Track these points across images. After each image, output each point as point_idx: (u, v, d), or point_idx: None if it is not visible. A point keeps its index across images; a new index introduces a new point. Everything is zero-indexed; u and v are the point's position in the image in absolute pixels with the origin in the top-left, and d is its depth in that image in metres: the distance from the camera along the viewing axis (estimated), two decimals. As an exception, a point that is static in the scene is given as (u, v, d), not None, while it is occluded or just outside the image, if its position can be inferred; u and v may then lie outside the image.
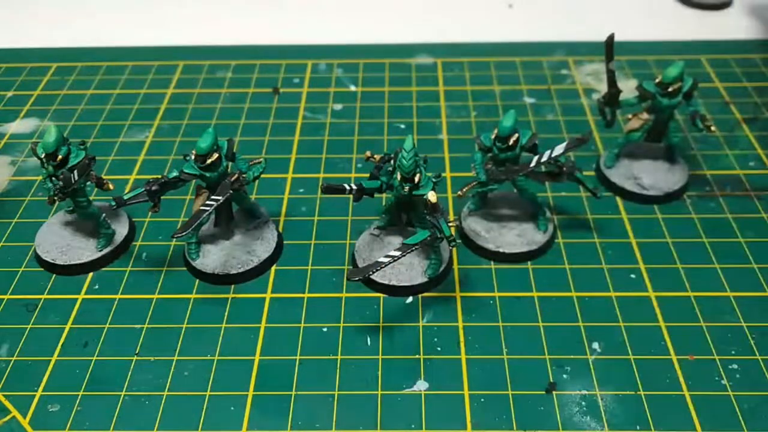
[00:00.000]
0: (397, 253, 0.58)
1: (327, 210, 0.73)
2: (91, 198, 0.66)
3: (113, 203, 0.64)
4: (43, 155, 0.62)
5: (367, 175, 0.64)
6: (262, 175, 0.66)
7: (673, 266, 0.67)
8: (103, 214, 0.67)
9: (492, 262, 0.67)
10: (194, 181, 0.64)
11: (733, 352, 0.59)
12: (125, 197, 0.63)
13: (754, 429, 0.54)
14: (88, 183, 0.64)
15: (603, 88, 0.78)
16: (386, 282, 0.64)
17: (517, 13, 1.09)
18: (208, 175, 0.62)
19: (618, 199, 0.74)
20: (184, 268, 0.67)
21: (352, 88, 0.92)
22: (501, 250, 0.67)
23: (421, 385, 0.57)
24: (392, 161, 0.62)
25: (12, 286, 0.66)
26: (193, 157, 0.62)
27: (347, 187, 0.62)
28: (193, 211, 0.62)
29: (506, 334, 0.61)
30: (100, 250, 0.67)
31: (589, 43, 0.98)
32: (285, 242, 0.70)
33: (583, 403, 0.56)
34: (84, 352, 0.60)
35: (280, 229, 0.71)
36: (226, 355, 0.60)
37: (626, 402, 0.56)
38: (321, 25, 1.06)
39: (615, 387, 0.57)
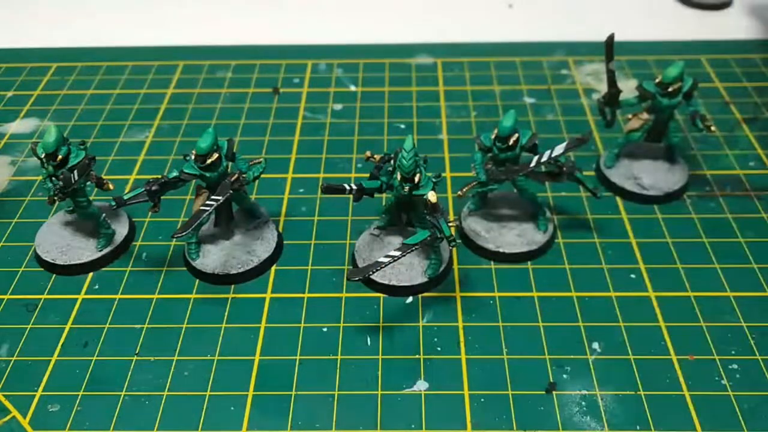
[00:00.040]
0: (397, 253, 0.58)
1: (327, 210, 0.73)
2: (91, 198, 0.66)
3: (113, 203, 0.64)
4: (43, 155, 0.62)
5: (367, 175, 0.64)
6: (262, 175, 0.66)
7: (673, 266, 0.67)
8: (103, 214, 0.67)
9: (492, 262, 0.67)
10: (194, 181, 0.64)
11: (733, 352, 0.59)
12: (125, 197, 0.63)
13: (754, 429, 0.54)
14: (88, 183, 0.64)
15: (603, 88, 0.78)
16: (386, 282, 0.64)
17: (517, 13, 1.09)
18: (208, 175, 0.62)
19: (618, 199, 0.74)
20: (184, 268, 0.67)
21: (352, 88, 0.92)
22: (501, 250, 0.67)
23: (421, 385, 0.57)
24: (392, 161, 0.62)
25: (12, 286, 0.66)
26: (193, 157, 0.62)
27: (347, 187, 0.62)
28: (193, 211, 0.62)
29: (506, 334, 0.61)
30: (100, 250, 0.67)
31: (589, 43, 0.98)
32: (285, 242, 0.70)
33: (583, 403, 0.56)
34: (84, 352, 0.60)
35: (280, 229, 0.71)
36: (226, 355, 0.60)
37: (626, 402, 0.56)
38: (321, 25, 1.06)
39: (615, 387, 0.57)
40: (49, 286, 0.66)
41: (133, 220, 0.72)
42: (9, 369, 0.59)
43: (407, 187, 0.60)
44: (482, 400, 0.56)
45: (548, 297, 0.64)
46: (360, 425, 0.55)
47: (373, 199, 0.66)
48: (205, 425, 0.55)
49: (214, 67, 0.96)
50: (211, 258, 0.66)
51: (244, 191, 0.67)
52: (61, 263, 0.66)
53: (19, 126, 0.86)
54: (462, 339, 0.61)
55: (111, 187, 0.66)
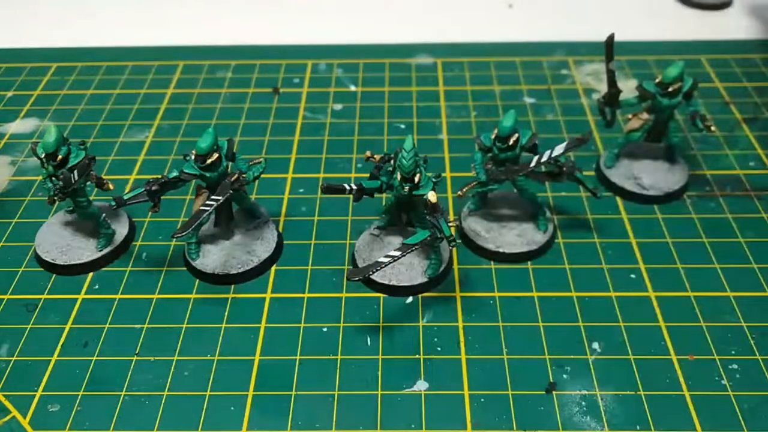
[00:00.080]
0: (397, 253, 0.58)
1: (327, 210, 0.73)
2: (91, 198, 0.66)
3: (113, 203, 0.64)
4: (43, 155, 0.62)
5: (367, 175, 0.64)
6: (262, 175, 0.66)
7: (673, 266, 0.67)
8: (103, 214, 0.67)
9: (492, 262, 0.67)
10: (194, 181, 0.64)
11: (733, 352, 0.59)
12: (125, 197, 0.63)
13: (754, 429, 0.54)
14: (88, 183, 0.64)
15: (603, 88, 0.78)
16: (386, 282, 0.64)
17: (517, 13, 1.09)
18: (208, 175, 0.62)
19: (618, 199, 0.74)
20: (184, 268, 0.67)
21: (352, 88, 0.92)
22: (501, 250, 0.67)
23: (421, 385, 0.57)
24: (392, 161, 0.62)
25: (12, 286, 0.66)
26: (193, 157, 0.62)
27: (347, 187, 0.62)
28: (193, 211, 0.62)
29: (506, 334, 0.61)
30: (100, 250, 0.67)
31: (589, 43, 0.98)
32: (285, 242, 0.70)
33: (583, 403, 0.56)
34: (84, 352, 0.60)
35: (280, 229, 0.71)
36: (226, 355, 0.60)
37: (626, 402, 0.56)
38: (321, 25, 1.06)
39: (615, 387, 0.57)
40: (49, 286, 0.66)
41: (133, 220, 0.72)
42: (9, 369, 0.59)
43: (407, 187, 0.60)
44: (482, 400, 0.56)
45: (548, 297, 0.64)
46: (360, 425, 0.55)
47: (373, 199, 0.66)
48: (205, 425, 0.55)
49: (214, 67, 0.96)
50: (211, 258, 0.66)
51: (244, 191, 0.67)
52: (61, 263, 0.66)
53: (19, 126, 0.86)
54: (462, 339, 0.61)
55: (111, 187, 0.66)
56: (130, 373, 0.59)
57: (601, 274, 0.66)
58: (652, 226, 0.71)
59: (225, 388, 0.57)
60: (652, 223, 0.71)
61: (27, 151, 0.82)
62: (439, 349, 0.60)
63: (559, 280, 0.65)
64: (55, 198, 0.63)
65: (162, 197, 0.63)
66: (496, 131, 0.64)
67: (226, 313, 0.63)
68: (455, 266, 0.67)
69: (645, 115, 0.73)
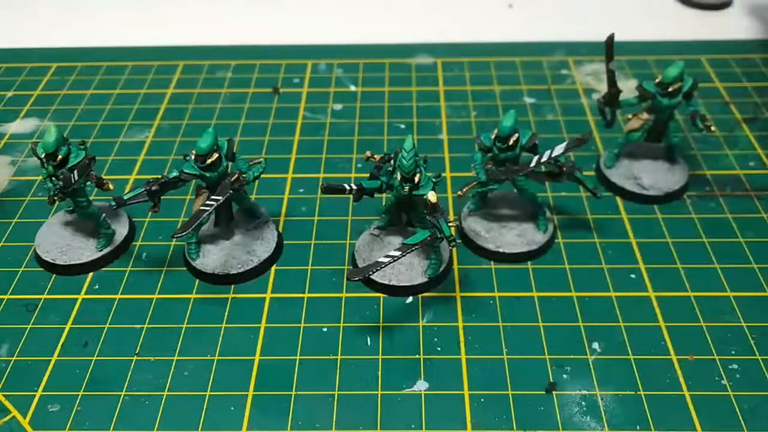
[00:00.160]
0: (397, 253, 0.58)
1: (327, 210, 0.73)
2: (91, 198, 0.66)
3: (113, 203, 0.64)
4: (43, 155, 0.62)
5: (367, 175, 0.64)
6: (262, 175, 0.66)
7: (673, 266, 0.67)
8: (103, 214, 0.67)
9: (492, 262, 0.67)
10: (194, 181, 0.64)
11: (733, 352, 0.59)
12: (125, 197, 0.63)
13: (754, 429, 0.54)
14: (88, 183, 0.64)
15: (603, 88, 0.78)
16: (386, 282, 0.64)
17: (517, 13, 1.09)
18: (208, 175, 0.62)
19: (618, 199, 0.74)
20: (184, 268, 0.67)
21: (352, 88, 0.92)
22: (501, 250, 0.67)
23: (421, 385, 0.57)
24: (392, 161, 0.62)
25: (12, 286, 0.66)
26: (193, 157, 0.62)
27: (347, 187, 0.62)
28: (193, 211, 0.62)
29: (506, 334, 0.61)
30: (100, 250, 0.67)
31: (589, 43, 0.98)
32: (285, 242, 0.70)
33: (583, 403, 0.56)
34: (84, 352, 0.60)
35: (280, 229, 0.71)
36: (226, 355, 0.60)
37: (626, 402, 0.56)
38: (321, 25, 1.06)
39: (615, 387, 0.57)
40: (49, 286, 0.66)
41: (133, 220, 0.72)
42: (9, 369, 0.59)
43: (407, 187, 0.60)
44: (482, 400, 0.56)
45: (548, 297, 0.64)
46: (360, 425, 0.55)
47: (373, 199, 0.66)
48: (205, 425, 0.55)
49: (214, 67, 0.96)
50: (211, 258, 0.66)
51: (244, 191, 0.67)
52: (61, 263, 0.66)
53: (19, 126, 0.86)
54: (462, 339, 0.61)
55: (111, 187, 0.66)
56: (130, 373, 0.59)
57: (601, 274, 0.66)
58: (652, 226, 0.71)
59: (225, 388, 0.57)
60: (652, 223, 0.71)
61: (27, 151, 0.82)
62: (439, 349, 0.60)
63: (559, 280, 0.65)
64: (55, 198, 0.63)
65: (162, 197, 0.63)
66: (496, 131, 0.64)
67: (226, 313, 0.63)
68: (455, 266, 0.67)
69: (645, 115, 0.73)
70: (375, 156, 0.64)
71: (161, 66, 0.96)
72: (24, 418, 0.56)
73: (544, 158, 0.64)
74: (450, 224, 0.59)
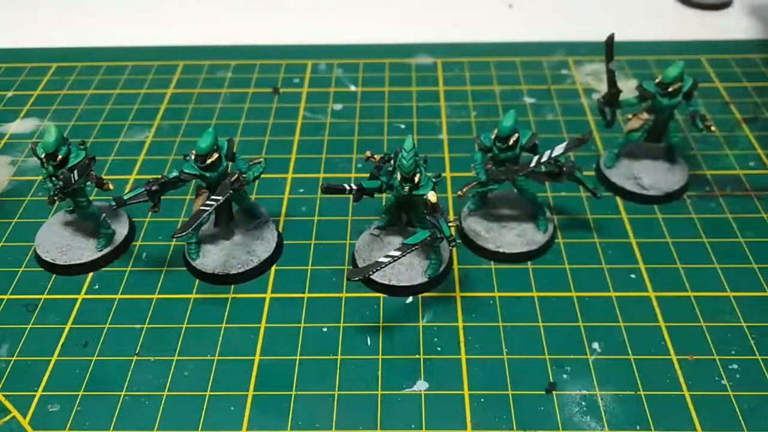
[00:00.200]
0: (397, 253, 0.58)
1: (327, 210, 0.73)
2: (91, 198, 0.66)
3: (113, 203, 0.64)
4: (43, 155, 0.62)
5: (367, 175, 0.64)
6: (262, 175, 0.66)
7: (673, 266, 0.67)
8: (103, 214, 0.67)
9: (492, 262, 0.67)
10: (194, 181, 0.64)
11: (733, 352, 0.59)
12: (125, 197, 0.63)
13: (754, 429, 0.54)
14: (88, 183, 0.64)
15: (603, 88, 0.78)
16: (386, 282, 0.64)
17: (517, 13, 1.09)
18: (208, 175, 0.62)
19: (618, 199, 0.74)
20: (184, 268, 0.67)
21: (352, 88, 0.92)
22: (501, 250, 0.67)
23: (421, 385, 0.57)
24: (392, 161, 0.62)
25: (12, 286, 0.66)
26: (193, 157, 0.62)
27: (347, 187, 0.62)
28: (193, 211, 0.62)
29: (506, 334, 0.61)
30: (100, 250, 0.67)
31: (589, 43, 0.98)
32: (285, 242, 0.70)
33: (583, 403, 0.56)
34: (84, 352, 0.60)
35: (280, 229, 0.71)
36: (226, 355, 0.60)
37: (626, 402, 0.56)
38: (321, 25, 1.06)
39: (615, 387, 0.57)
40: (49, 286, 0.66)
41: (133, 220, 0.72)
42: (9, 369, 0.59)
43: (407, 187, 0.60)
44: (482, 400, 0.56)
45: (548, 297, 0.64)
46: (360, 425, 0.55)
47: (373, 199, 0.66)
48: (205, 425, 0.55)
49: (214, 67, 0.96)
50: (211, 258, 0.66)
51: (244, 191, 0.67)
52: (61, 263, 0.66)
53: (19, 126, 0.86)
54: (462, 339, 0.61)
55: (111, 187, 0.66)
56: (130, 373, 0.59)
57: (601, 274, 0.66)
58: (652, 226, 0.71)
59: (225, 388, 0.57)
60: (652, 223, 0.71)
61: (27, 151, 0.82)
62: (439, 349, 0.60)
63: (559, 280, 0.65)
64: (55, 198, 0.63)
65: (162, 197, 0.63)
66: (496, 131, 0.64)
67: (226, 313, 0.63)
68: (455, 266, 0.67)
69: (645, 115, 0.73)
70: (375, 156, 0.64)
71: (161, 66, 0.96)
72: (24, 418, 0.56)
73: (544, 158, 0.64)
74: (450, 224, 0.59)
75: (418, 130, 0.84)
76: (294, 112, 0.87)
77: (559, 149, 0.64)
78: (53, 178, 0.63)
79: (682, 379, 0.58)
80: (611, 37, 0.70)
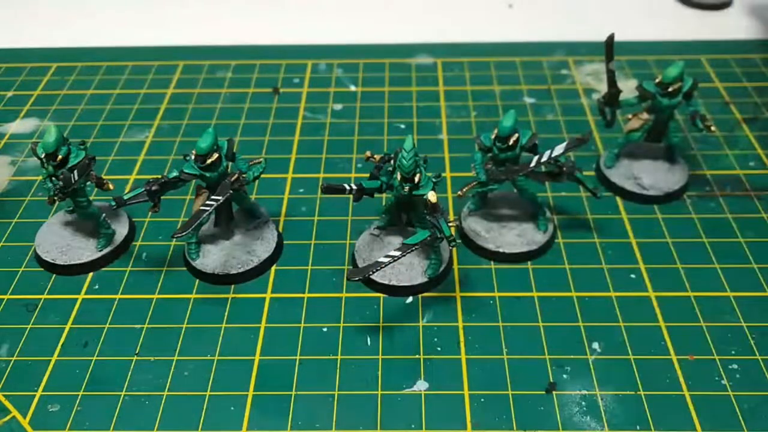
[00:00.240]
0: (397, 253, 0.58)
1: (327, 210, 0.73)
2: (91, 198, 0.66)
3: (113, 203, 0.64)
4: (43, 155, 0.62)
5: (367, 175, 0.64)
6: (262, 175, 0.66)
7: (673, 266, 0.67)
8: (103, 214, 0.67)
9: (492, 262, 0.67)
10: (194, 181, 0.64)
11: (733, 352, 0.59)
12: (125, 197, 0.63)
13: (754, 429, 0.54)
14: (88, 183, 0.64)
15: (603, 88, 0.78)
16: (386, 282, 0.64)
17: (517, 13, 1.09)
18: (208, 175, 0.62)
19: (618, 199, 0.74)
20: (184, 268, 0.67)
21: (352, 88, 0.92)
22: (501, 250, 0.67)
23: (421, 385, 0.57)
24: (392, 161, 0.62)
25: (12, 286, 0.66)
26: (193, 157, 0.62)
27: (347, 187, 0.62)
28: (193, 211, 0.62)
29: (506, 334, 0.61)
30: (100, 250, 0.67)
31: (589, 43, 0.98)
32: (285, 242, 0.70)
33: (583, 403, 0.56)
34: (84, 352, 0.60)
35: (280, 229, 0.71)
36: (226, 355, 0.60)
37: (626, 402, 0.56)
38: (321, 25, 1.06)
39: (615, 387, 0.57)
40: (49, 286, 0.66)
41: (133, 220, 0.72)
42: (9, 369, 0.59)
43: (407, 187, 0.60)
44: (482, 400, 0.56)
45: (548, 297, 0.64)
46: (360, 425, 0.55)
47: (373, 199, 0.66)
48: (205, 425, 0.55)
49: (214, 67, 0.96)
50: (211, 258, 0.66)
51: (244, 191, 0.67)
52: (61, 263, 0.66)
53: (19, 126, 0.86)
54: (462, 339, 0.61)
55: (111, 187, 0.66)
56: (130, 373, 0.59)
57: (601, 274, 0.66)
58: (652, 226, 0.71)
59: (225, 388, 0.57)
60: (652, 223, 0.71)
61: (27, 151, 0.82)
62: (439, 349, 0.60)
63: (559, 280, 0.65)
64: (55, 198, 0.63)
65: (162, 197, 0.63)
66: (496, 131, 0.64)
67: (226, 313, 0.63)
68: (455, 266, 0.67)
69: (645, 115, 0.73)
70: (375, 156, 0.64)
71: (161, 66, 0.96)
72: (24, 418, 0.56)
73: (544, 158, 0.64)
74: (450, 224, 0.59)
75: (418, 130, 0.84)
76: (294, 112, 0.87)
77: (559, 149, 0.64)
78: (53, 178, 0.63)
79: (682, 379, 0.58)
80: (611, 37, 0.70)
